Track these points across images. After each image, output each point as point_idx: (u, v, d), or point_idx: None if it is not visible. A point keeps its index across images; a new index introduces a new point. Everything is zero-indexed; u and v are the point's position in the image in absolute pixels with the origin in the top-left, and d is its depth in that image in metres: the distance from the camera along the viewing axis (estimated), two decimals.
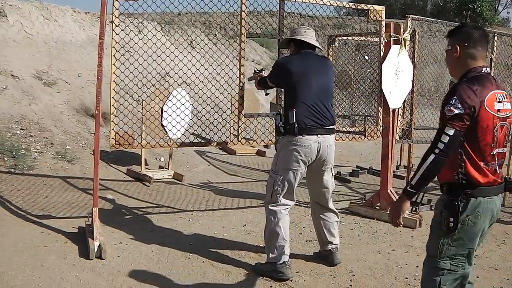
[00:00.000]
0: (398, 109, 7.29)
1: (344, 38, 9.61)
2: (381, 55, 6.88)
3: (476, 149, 3.28)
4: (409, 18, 7.21)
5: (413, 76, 7.51)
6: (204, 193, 8.17)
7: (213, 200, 7.75)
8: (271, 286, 4.92)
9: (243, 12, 6.32)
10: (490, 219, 3.38)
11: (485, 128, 3.26)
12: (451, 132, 3.21)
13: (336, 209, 5.67)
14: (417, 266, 5.47)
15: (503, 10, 43.14)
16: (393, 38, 6.83)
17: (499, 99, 3.29)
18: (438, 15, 32.71)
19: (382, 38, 6.90)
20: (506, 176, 3.39)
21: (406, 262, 5.59)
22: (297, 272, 5.20)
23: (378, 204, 7.07)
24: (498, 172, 3.35)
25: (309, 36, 5.28)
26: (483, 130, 3.25)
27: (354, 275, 5.20)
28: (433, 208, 7.45)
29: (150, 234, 6.14)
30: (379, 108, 7.04)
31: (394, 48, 6.77)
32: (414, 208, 7.13)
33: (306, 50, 5.27)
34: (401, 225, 3.55)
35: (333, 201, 5.67)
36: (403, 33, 6.89)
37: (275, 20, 7.23)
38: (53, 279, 4.85)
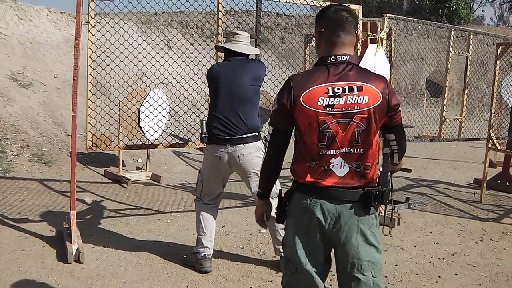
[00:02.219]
0: None
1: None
2: (358, 54, 6.89)
3: (302, 146, 3.02)
4: (385, 17, 7.24)
5: (390, 75, 7.54)
6: (183, 194, 8.13)
7: (191, 201, 7.70)
8: (250, 287, 4.91)
9: (220, 12, 6.32)
10: (327, 225, 2.97)
11: (305, 125, 2.94)
12: (271, 130, 3.11)
13: None
14: (396, 265, 5.51)
15: (478, 8, 43.48)
16: (370, 37, 6.85)
17: (335, 92, 2.88)
18: (414, 13, 32.88)
19: None
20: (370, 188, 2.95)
21: (385, 261, 5.59)
22: (277, 272, 5.19)
23: None
24: (335, 174, 2.95)
25: (237, 41, 5.25)
26: (302, 127, 2.95)
27: (334, 274, 5.17)
28: (411, 206, 7.55)
29: (129, 237, 6.10)
30: None
31: (371, 47, 6.80)
32: (392, 207, 7.16)
33: (235, 57, 5.22)
34: (265, 227, 3.48)
35: None
36: (380, 32, 6.91)
37: (252, 19, 7.23)
38: (31, 284, 4.80)
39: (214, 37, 6.33)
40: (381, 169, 3.07)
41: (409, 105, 13.85)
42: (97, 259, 5.39)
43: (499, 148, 8.79)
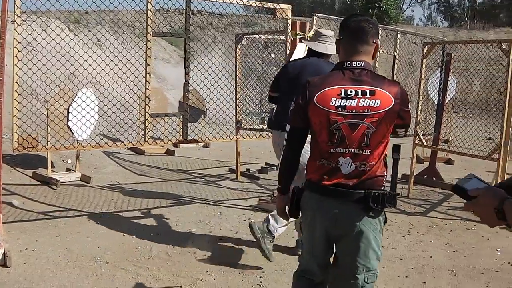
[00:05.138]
0: None
1: (252, 36, 9.68)
2: (287, 53, 6.97)
3: (315, 145, 3.20)
4: (314, 17, 7.35)
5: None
6: (113, 195, 8.04)
7: (121, 201, 7.65)
8: (180, 286, 4.91)
9: (149, 11, 6.28)
10: (328, 222, 3.15)
11: (318, 124, 3.11)
12: (288, 128, 3.31)
13: (246, 206, 5.71)
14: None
15: (407, 8, 44.48)
16: (299, 36, 6.93)
17: (347, 95, 3.05)
18: (346, 13, 33.36)
19: (288, 36, 7.00)
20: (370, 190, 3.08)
21: None
22: (207, 271, 5.21)
23: None
24: (341, 172, 3.08)
25: (321, 41, 5.54)
26: (315, 125, 3.13)
27: (264, 272, 5.25)
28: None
29: (58, 239, 6.00)
30: None
31: (300, 46, 6.87)
32: None
33: (314, 57, 5.53)
34: (286, 220, 3.66)
35: (242, 198, 5.72)
36: (309, 31, 6.99)
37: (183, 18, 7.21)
38: None
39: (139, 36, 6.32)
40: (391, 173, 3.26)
41: None
42: (24, 263, 5.29)
43: (425, 144, 9.04)
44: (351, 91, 3.04)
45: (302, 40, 6.52)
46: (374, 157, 3.06)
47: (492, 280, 5.34)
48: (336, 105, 3.04)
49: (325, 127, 3.08)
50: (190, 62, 6.70)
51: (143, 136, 6.39)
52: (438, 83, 9.24)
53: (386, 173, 3.19)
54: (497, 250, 6.20)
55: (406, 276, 5.33)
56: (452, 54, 9.65)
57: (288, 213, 3.40)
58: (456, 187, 2.08)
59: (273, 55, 9.45)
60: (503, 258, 5.94)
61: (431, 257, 5.87)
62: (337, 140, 3.06)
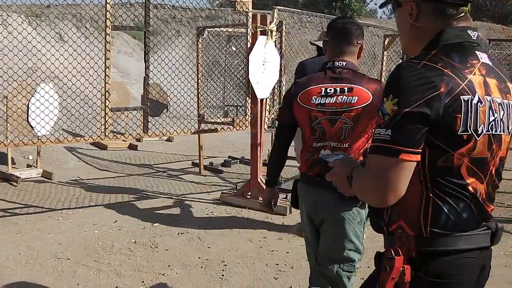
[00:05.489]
0: (266, 99, 7.42)
1: (214, 29, 9.65)
2: (248, 46, 6.96)
3: (303, 140, 3.42)
4: (275, 9, 7.34)
5: (281, 66, 7.66)
6: (75, 191, 7.96)
7: (83, 197, 7.58)
8: (142, 281, 4.88)
9: (108, 4, 6.21)
10: (309, 209, 3.36)
11: (302, 121, 3.34)
12: (277, 123, 3.55)
13: (209, 200, 5.73)
14: (288, 252, 5.60)
15: (371, 1, 44.73)
16: (260, 29, 6.91)
17: (327, 93, 3.23)
18: (310, 6, 33.47)
19: (249, 29, 6.98)
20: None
21: (277, 249, 5.70)
22: (169, 266, 5.19)
23: (249, 193, 7.16)
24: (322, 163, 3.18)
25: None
26: (300, 122, 3.36)
27: (226, 265, 5.25)
28: None
29: (18, 236, 5.92)
30: (247, 98, 7.13)
31: (261, 39, 6.87)
32: (285, 195, 7.32)
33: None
34: (271, 212, 3.81)
35: (205, 192, 5.75)
36: (270, 24, 6.99)
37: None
38: None
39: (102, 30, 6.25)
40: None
41: None
42: None
43: None
44: (330, 89, 3.23)
45: (311, 42, 6.90)
46: (353, 150, 3.21)
47: None
48: (316, 103, 3.25)
49: (307, 123, 3.30)
50: (150, 56, 6.65)
51: (103, 131, 6.32)
52: None
53: None
54: None
55: (368, 267, 5.33)
56: None
57: (291, 204, 3.68)
58: (321, 159, 2.12)
59: (233, 48, 9.43)
60: None
61: None
62: (319, 135, 3.26)
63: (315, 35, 13.52)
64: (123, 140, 10.78)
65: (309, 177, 3.33)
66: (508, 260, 5.73)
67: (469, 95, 1.81)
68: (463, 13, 1.96)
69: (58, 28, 10.57)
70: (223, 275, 5.04)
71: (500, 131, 1.91)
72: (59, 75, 6.66)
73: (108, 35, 6.20)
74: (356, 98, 3.18)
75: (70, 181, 8.55)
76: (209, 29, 9.23)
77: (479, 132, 1.84)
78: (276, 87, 8.14)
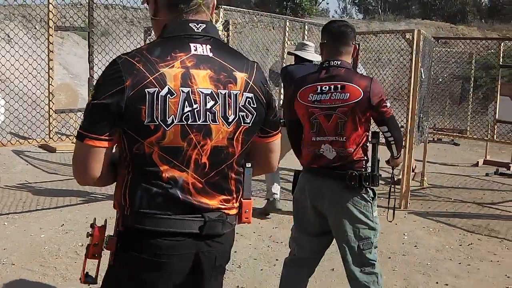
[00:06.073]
0: None
1: None
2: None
3: (304, 135, 3.76)
4: (221, 9, 7.35)
5: None
6: (22, 194, 7.82)
7: (30, 201, 7.46)
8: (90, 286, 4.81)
9: (50, 4, 6.14)
10: (313, 196, 3.69)
11: (302, 116, 3.72)
12: (283, 121, 3.99)
13: None
14: (235, 251, 5.59)
15: (322, 1, 45.12)
16: None
17: (322, 90, 3.59)
18: (262, 5, 33.54)
19: None
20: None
21: (235, 250, 5.69)
22: None
23: None
24: (326, 157, 3.62)
25: (307, 50, 6.87)
26: (301, 117, 3.73)
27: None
28: (252, 193, 7.73)
29: None
30: None
31: None
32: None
33: (305, 63, 6.71)
34: None
35: None
36: (216, 23, 6.98)
37: (100, 12, 7.10)
38: None
39: (56, 30, 6.16)
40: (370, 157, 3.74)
41: None
42: None
43: None
44: (325, 87, 3.59)
45: (289, 52, 7.64)
46: (351, 143, 3.57)
47: (398, 264, 5.51)
48: (313, 99, 3.62)
49: (306, 118, 3.67)
50: (94, 57, 6.58)
51: (47, 134, 6.23)
52: None
53: (366, 157, 3.67)
54: (404, 234, 6.40)
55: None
56: (361, 45, 9.84)
57: (292, 192, 3.95)
58: None
59: None
60: (410, 242, 6.14)
61: None
62: (317, 130, 3.63)
63: (267, 35, 13.61)
64: (73, 143, 10.61)
65: (313, 168, 3.68)
66: (453, 253, 5.86)
67: (156, 87, 1.91)
68: (196, 6, 2.06)
69: (8, 28, 10.41)
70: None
71: (204, 121, 2.00)
72: (9, 77, 6.53)
73: (51, 35, 6.12)
74: (348, 94, 3.53)
75: (17, 185, 8.40)
76: None
77: (168, 122, 1.94)
78: None
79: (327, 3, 63.07)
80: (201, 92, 1.99)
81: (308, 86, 3.66)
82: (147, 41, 8.50)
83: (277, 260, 5.45)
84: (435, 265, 5.52)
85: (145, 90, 1.90)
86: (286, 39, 9.08)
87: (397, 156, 3.92)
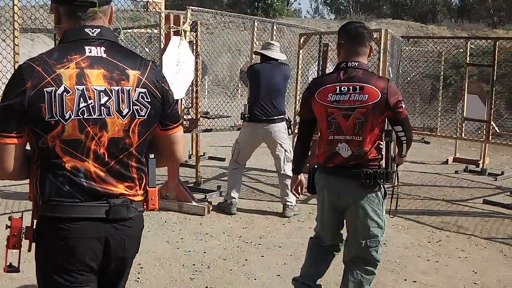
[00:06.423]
0: (182, 99, 7.40)
1: (131, 30, 9.57)
2: (162, 47, 6.91)
3: (320, 134, 3.87)
4: (188, 10, 7.32)
5: (196, 66, 7.64)
6: None
7: None
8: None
9: (15, 6, 6.06)
10: (332, 196, 3.85)
11: (319, 116, 3.81)
12: (298, 119, 4.00)
13: None
14: (205, 252, 5.60)
15: (294, 1, 45.22)
16: (173, 30, 6.87)
17: (341, 91, 3.68)
18: (234, 6, 33.60)
19: (162, 29, 6.93)
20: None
21: (194, 249, 5.68)
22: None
23: (167, 195, 7.10)
24: (341, 156, 3.73)
25: (272, 49, 7.02)
26: (318, 117, 3.83)
27: (142, 267, 5.19)
28: (223, 194, 7.71)
29: None
30: None
31: (174, 39, 6.82)
32: (204, 196, 7.35)
33: (270, 61, 6.99)
34: (297, 198, 4.58)
35: None
36: (183, 25, 6.96)
37: None
38: None
39: (26, 32, 6.08)
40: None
41: (227, 95, 14.06)
42: None
43: None
44: (344, 88, 3.68)
45: (255, 51, 8.12)
46: (367, 143, 3.67)
47: None
48: (332, 100, 3.70)
49: (324, 118, 3.75)
50: None
51: None
52: (316, 73, 9.41)
53: (380, 155, 3.78)
54: None
55: (285, 263, 5.42)
56: (333, 44, 9.87)
57: (307, 190, 4.15)
58: None
59: (147, 49, 9.37)
60: None
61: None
62: (335, 129, 3.72)
63: (239, 36, 13.58)
64: None
65: (329, 168, 3.81)
66: (422, 250, 5.89)
67: (54, 87, 2.15)
68: (92, 13, 2.30)
69: None
70: (139, 278, 4.98)
71: (99, 115, 2.22)
72: None
73: (17, 37, 6.05)
74: (367, 95, 3.63)
75: None
76: (125, 31, 9.13)
77: (66, 117, 2.17)
78: (192, 87, 8.08)
79: (299, 4, 63.17)
80: (95, 89, 2.21)
81: (327, 86, 3.75)
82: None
83: (246, 260, 5.45)
84: (404, 262, 5.55)
85: (44, 89, 2.14)
86: (255, 40, 9.08)
87: (404, 154, 4.03)
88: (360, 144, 3.69)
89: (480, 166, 10.70)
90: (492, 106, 8.51)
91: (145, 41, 10.53)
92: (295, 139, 4.18)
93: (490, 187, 9.35)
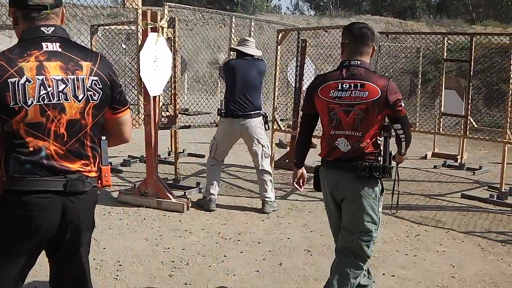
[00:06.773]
0: (159, 96, 7.37)
1: (109, 27, 9.51)
2: (139, 43, 6.87)
3: (323, 128, 3.98)
4: (165, 6, 7.29)
5: (174, 62, 7.61)
6: None
7: None
8: (35, 287, 4.74)
9: None
10: (331, 187, 3.94)
11: (321, 111, 3.91)
12: (301, 113, 4.26)
13: (106, 200, 5.62)
14: (184, 249, 5.59)
15: None
16: (150, 26, 6.82)
17: (343, 88, 3.79)
18: (214, 3, 33.48)
19: (139, 26, 6.88)
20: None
21: (173, 246, 5.67)
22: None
23: (146, 192, 7.07)
24: (340, 150, 3.83)
25: (247, 45, 7.12)
26: (320, 112, 3.94)
27: (121, 265, 5.17)
28: (201, 190, 7.70)
29: None
30: (139, 96, 7.01)
31: (151, 36, 6.78)
32: (184, 193, 7.34)
33: (246, 57, 7.06)
34: (299, 191, 4.43)
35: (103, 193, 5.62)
36: (160, 21, 6.91)
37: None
38: None
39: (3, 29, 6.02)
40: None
41: (207, 92, 14.05)
42: None
43: (283, 129, 9.25)
44: (345, 85, 3.79)
45: (232, 48, 8.15)
46: (366, 138, 3.78)
47: None
48: (333, 96, 3.82)
49: (326, 113, 3.87)
50: None
51: None
52: (295, 69, 9.42)
53: (378, 150, 3.86)
54: None
55: (264, 259, 5.42)
56: (312, 40, 9.90)
57: (313, 187, 4.20)
58: None
59: (124, 46, 9.32)
60: None
61: (288, 238, 6.02)
62: (335, 124, 3.83)
63: (218, 32, 13.61)
64: None
65: (329, 161, 3.92)
66: (400, 245, 5.93)
67: (17, 77, 2.52)
68: (45, 15, 2.67)
69: None
70: (117, 275, 4.96)
71: (58, 100, 2.61)
72: None
73: None
74: (367, 93, 3.74)
75: None
76: (103, 27, 9.07)
77: (29, 103, 2.54)
78: (170, 83, 8.05)
79: (279, 0, 63.17)
80: (53, 78, 2.60)
81: (330, 83, 3.86)
82: (95, 39, 8.41)
83: (225, 256, 5.44)
84: (382, 257, 5.57)
85: (8, 80, 2.50)
86: (233, 36, 9.07)
87: (404, 152, 4.07)
88: (359, 139, 3.79)
89: (459, 160, 10.79)
90: (470, 101, 8.55)
91: (123, 38, 10.48)
92: (291, 135, 4.33)
93: (468, 181, 9.43)
